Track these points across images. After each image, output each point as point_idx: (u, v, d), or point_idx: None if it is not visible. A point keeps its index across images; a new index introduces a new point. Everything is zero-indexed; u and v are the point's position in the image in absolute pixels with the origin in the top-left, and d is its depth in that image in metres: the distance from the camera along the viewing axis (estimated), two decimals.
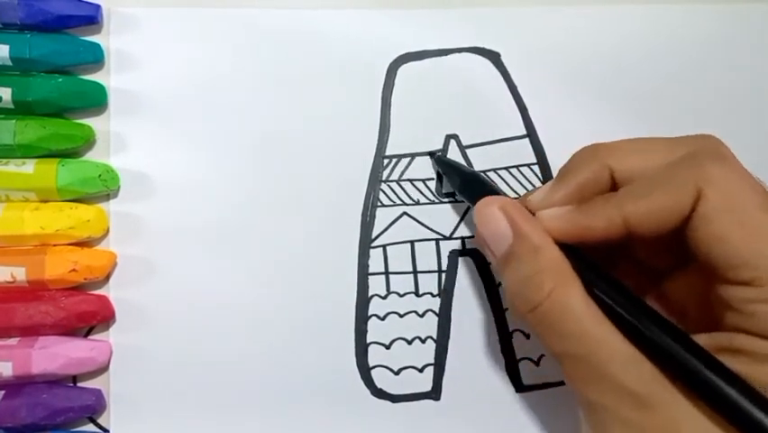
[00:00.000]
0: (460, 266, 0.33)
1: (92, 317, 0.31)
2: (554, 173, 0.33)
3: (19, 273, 0.30)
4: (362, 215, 0.33)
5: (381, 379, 0.32)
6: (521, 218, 0.25)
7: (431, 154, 0.33)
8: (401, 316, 0.33)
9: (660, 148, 0.25)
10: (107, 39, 0.33)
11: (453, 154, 0.33)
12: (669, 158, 0.24)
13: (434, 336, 0.33)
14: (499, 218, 0.25)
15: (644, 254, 0.27)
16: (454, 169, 0.32)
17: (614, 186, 0.25)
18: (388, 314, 0.33)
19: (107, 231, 0.32)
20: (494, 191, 0.29)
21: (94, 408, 0.31)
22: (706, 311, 0.24)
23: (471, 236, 0.33)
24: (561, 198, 0.25)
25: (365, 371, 0.32)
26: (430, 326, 0.33)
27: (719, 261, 0.22)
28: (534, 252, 0.24)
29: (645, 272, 0.27)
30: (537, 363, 0.33)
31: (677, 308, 0.26)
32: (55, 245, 0.31)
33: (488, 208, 0.26)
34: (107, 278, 0.32)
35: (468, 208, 0.33)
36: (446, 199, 0.33)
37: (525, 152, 0.34)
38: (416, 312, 0.33)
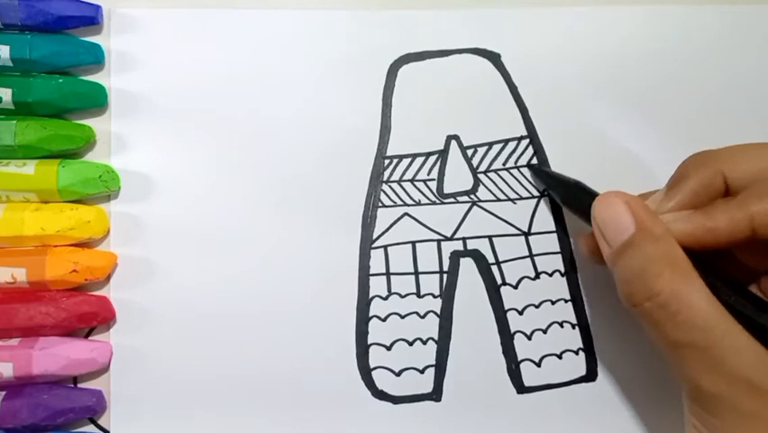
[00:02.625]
0: (461, 267, 0.33)
1: (92, 318, 0.31)
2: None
3: (20, 274, 0.30)
4: (363, 215, 0.33)
5: (382, 380, 0.32)
6: (644, 211, 0.25)
7: (528, 166, 0.33)
8: (402, 317, 0.33)
9: None
10: (108, 40, 0.33)
11: (454, 155, 0.33)
12: None
13: (436, 338, 0.33)
14: (622, 210, 0.26)
15: (745, 255, 0.27)
16: (555, 179, 0.32)
17: (726, 192, 0.26)
18: (390, 315, 0.33)
19: (108, 232, 0.32)
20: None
21: (94, 409, 0.31)
22: None
23: (473, 237, 0.33)
24: (675, 205, 0.26)
25: (366, 372, 0.32)
26: (431, 327, 0.33)
27: None
28: (655, 241, 0.24)
29: (744, 270, 0.27)
30: (539, 365, 0.33)
31: None
32: (56, 246, 0.31)
33: (611, 199, 0.26)
34: (108, 279, 0.32)
35: (469, 209, 0.33)
36: (447, 200, 0.33)
37: (525, 153, 0.33)
38: (417, 313, 0.33)
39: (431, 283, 0.33)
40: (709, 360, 0.23)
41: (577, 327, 0.33)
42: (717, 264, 0.25)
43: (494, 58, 0.34)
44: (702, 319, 0.23)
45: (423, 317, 0.33)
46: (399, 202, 0.33)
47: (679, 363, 0.24)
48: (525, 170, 0.33)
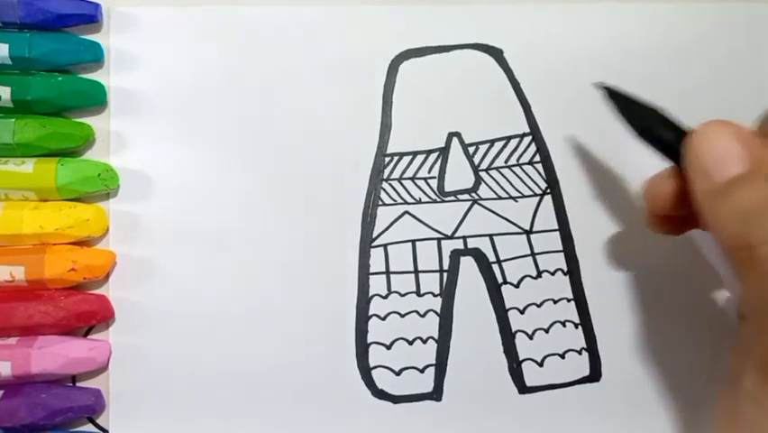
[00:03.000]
0: (462, 266, 0.33)
1: (91, 317, 0.31)
2: (558, 171, 0.33)
3: (18, 273, 0.30)
4: (363, 214, 0.33)
5: (382, 379, 0.32)
6: (758, 146, 0.23)
7: (602, 87, 0.29)
8: (402, 316, 0.32)
9: None
10: (107, 38, 0.33)
11: (456, 152, 0.33)
12: None
13: (436, 337, 0.32)
14: (734, 142, 0.23)
15: None
16: (631, 105, 0.28)
17: None
18: (389, 314, 0.32)
19: (107, 230, 0.32)
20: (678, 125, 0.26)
21: (93, 408, 0.31)
22: None
23: (474, 236, 0.33)
24: None
25: (366, 371, 0.32)
26: (431, 326, 0.32)
27: None
28: None
29: None
30: (541, 365, 0.32)
31: None
32: (54, 245, 0.31)
33: (719, 129, 0.23)
34: (107, 277, 0.32)
35: (470, 207, 0.33)
36: (448, 198, 0.33)
37: (528, 150, 0.33)
38: (417, 312, 0.32)
39: (431, 282, 0.32)
40: None
41: (580, 327, 0.32)
42: None
43: (496, 54, 0.34)
44: None
45: (423, 315, 0.32)
46: (400, 200, 0.33)
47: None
48: (528, 168, 0.33)
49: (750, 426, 0.23)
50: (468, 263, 0.33)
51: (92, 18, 0.32)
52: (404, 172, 0.33)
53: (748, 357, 0.23)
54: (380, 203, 0.33)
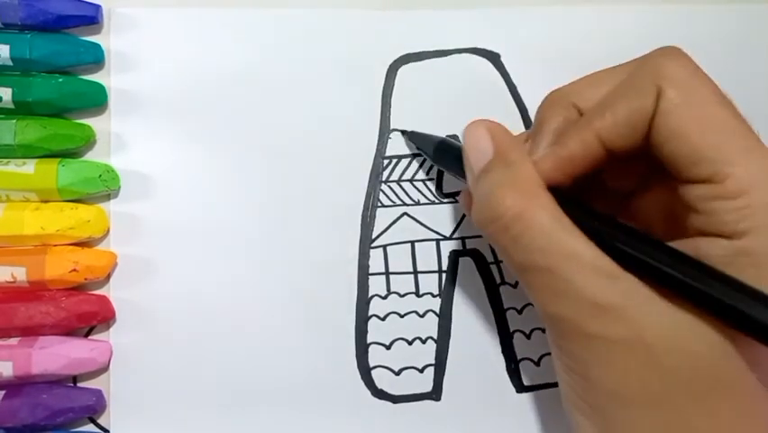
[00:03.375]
0: (460, 266, 0.33)
1: (92, 318, 0.31)
2: None
3: (19, 273, 0.30)
4: (363, 215, 0.33)
5: (382, 379, 0.32)
6: (503, 137, 0.25)
7: (402, 132, 0.33)
8: (402, 316, 0.33)
9: (617, 73, 0.25)
10: (108, 39, 0.33)
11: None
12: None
13: (435, 337, 0.33)
14: (484, 136, 0.25)
15: (611, 179, 0.27)
16: (426, 139, 0.32)
17: None
18: (389, 314, 0.33)
19: (108, 231, 0.32)
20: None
21: (94, 408, 0.31)
22: (672, 224, 0.25)
23: (472, 237, 0.33)
24: (544, 148, 0.26)
25: (365, 371, 0.32)
26: (430, 326, 0.33)
27: (679, 159, 0.23)
28: (506, 166, 0.24)
29: (613, 197, 0.27)
30: (538, 364, 0.33)
31: (645, 225, 0.26)
32: (55, 245, 0.31)
33: (475, 127, 0.26)
34: (108, 278, 0.32)
35: None
36: (446, 199, 0.33)
37: None
38: (416, 312, 0.33)
39: (430, 282, 0.33)
40: (553, 282, 0.22)
41: None
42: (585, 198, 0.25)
43: (493, 58, 0.34)
44: (545, 241, 0.22)
45: (422, 316, 0.33)
46: (398, 202, 0.33)
47: (528, 287, 0.24)
48: None
49: (557, 373, 0.25)
50: (466, 264, 0.33)
51: (92, 19, 0.32)
52: (402, 174, 0.33)
53: None
54: (379, 204, 0.33)
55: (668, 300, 0.22)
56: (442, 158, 0.31)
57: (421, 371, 0.32)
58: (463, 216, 0.33)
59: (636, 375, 0.21)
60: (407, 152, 0.33)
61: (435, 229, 0.33)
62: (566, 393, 0.25)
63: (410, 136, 0.33)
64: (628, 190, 0.27)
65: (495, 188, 0.24)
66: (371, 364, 0.32)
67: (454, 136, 0.33)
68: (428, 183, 0.33)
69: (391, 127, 0.33)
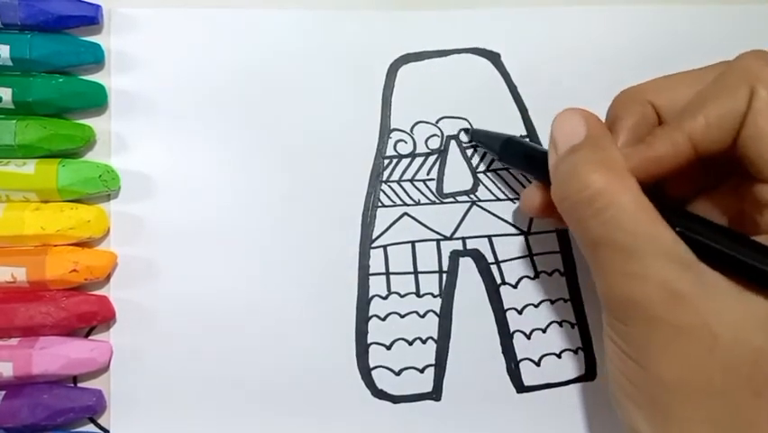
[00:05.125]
0: (461, 267, 0.33)
1: (92, 318, 0.31)
2: None
3: (20, 274, 0.30)
4: (363, 215, 0.33)
5: (382, 379, 0.32)
6: (598, 125, 0.26)
7: (465, 131, 0.33)
8: (402, 316, 0.33)
9: (697, 75, 0.26)
10: (108, 39, 0.33)
11: (454, 154, 0.33)
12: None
13: (435, 337, 0.33)
14: (577, 121, 0.26)
15: (671, 187, 0.27)
16: (490, 136, 0.32)
17: (660, 123, 0.26)
18: (389, 314, 0.33)
19: (108, 231, 0.32)
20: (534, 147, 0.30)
21: (94, 408, 0.31)
22: (737, 226, 0.25)
23: (473, 237, 0.33)
24: (620, 145, 0.26)
25: (366, 371, 0.32)
26: (431, 326, 0.33)
27: (765, 158, 0.23)
28: (596, 146, 0.24)
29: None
30: (538, 364, 0.33)
31: None
32: (56, 246, 0.31)
33: (570, 112, 0.26)
34: (108, 278, 0.32)
35: (468, 208, 0.33)
36: (447, 200, 0.33)
37: None
38: (416, 313, 0.33)
39: (430, 283, 0.33)
40: (626, 262, 0.22)
41: (576, 327, 0.33)
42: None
43: (494, 58, 0.34)
44: (627, 220, 0.22)
45: (422, 316, 0.33)
46: (399, 202, 0.33)
47: (598, 265, 0.24)
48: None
49: (609, 360, 0.25)
50: (467, 264, 0.33)
51: (92, 20, 0.32)
52: (403, 174, 0.33)
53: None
54: (380, 204, 0.33)
55: (741, 294, 0.22)
56: (509, 154, 0.31)
57: (421, 371, 0.32)
58: (464, 216, 0.33)
59: (697, 364, 0.22)
60: (408, 151, 0.33)
61: (436, 229, 0.33)
62: (618, 382, 0.24)
63: (473, 134, 0.33)
64: (685, 197, 0.27)
65: (583, 163, 0.24)
66: (372, 365, 0.32)
67: (455, 136, 0.33)
68: (429, 183, 0.33)
69: (391, 127, 0.33)
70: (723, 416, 0.21)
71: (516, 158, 0.31)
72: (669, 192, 0.27)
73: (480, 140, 0.33)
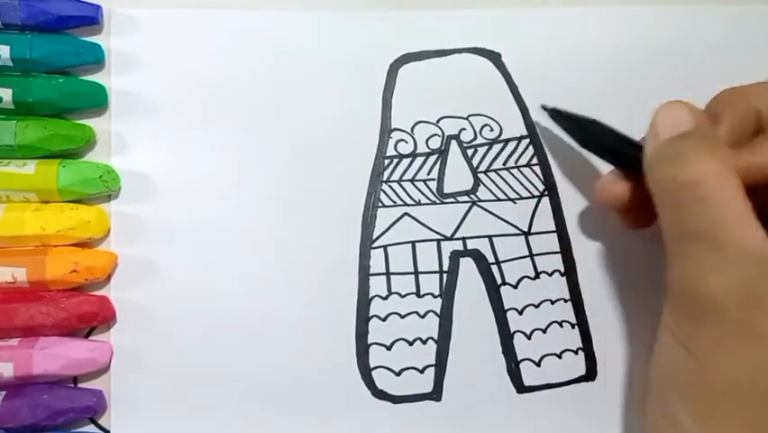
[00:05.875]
0: (461, 267, 0.33)
1: (93, 318, 0.31)
2: (556, 174, 0.33)
3: (20, 274, 0.30)
4: (363, 215, 0.33)
5: (382, 380, 0.32)
6: (706, 119, 0.25)
7: (544, 108, 0.32)
8: (402, 316, 0.33)
9: None
10: (108, 39, 0.33)
11: (454, 154, 0.33)
12: None
13: (436, 337, 0.33)
14: (684, 112, 0.25)
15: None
16: (573, 119, 0.31)
17: (757, 130, 0.26)
18: (390, 315, 0.33)
19: (108, 232, 0.32)
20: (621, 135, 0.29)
21: (95, 408, 0.31)
22: None
23: (473, 237, 0.33)
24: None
25: (366, 372, 0.32)
26: (431, 326, 0.33)
27: None
28: (707, 136, 0.24)
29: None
30: (538, 365, 0.33)
31: None
32: (56, 246, 0.31)
33: (678, 104, 0.26)
34: (108, 279, 0.32)
35: (469, 209, 0.33)
36: (448, 200, 0.33)
37: (526, 153, 0.33)
38: (417, 313, 0.33)
39: (431, 283, 0.33)
40: (714, 257, 0.22)
41: (576, 327, 0.33)
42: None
43: (494, 57, 0.34)
44: (727, 214, 0.22)
45: (423, 316, 0.33)
46: (399, 202, 0.33)
47: (682, 255, 0.23)
48: (526, 171, 0.33)
49: (662, 351, 0.25)
50: (467, 264, 0.33)
51: (93, 20, 0.32)
52: (403, 174, 0.33)
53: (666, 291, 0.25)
54: (380, 204, 0.33)
55: None
56: (591, 139, 0.30)
57: (421, 371, 0.32)
58: (464, 216, 0.33)
59: (760, 371, 0.21)
60: (408, 151, 0.33)
61: (436, 229, 0.33)
62: (669, 373, 0.24)
63: (552, 114, 0.32)
64: None
65: (694, 149, 0.23)
66: (372, 365, 0.32)
67: (455, 136, 0.33)
68: (429, 183, 0.33)
69: (392, 127, 0.33)
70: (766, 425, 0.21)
71: (598, 143, 0.30)
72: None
73: (560, 122, 0.32)
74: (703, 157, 0.23)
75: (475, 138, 0.33)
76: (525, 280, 0.33)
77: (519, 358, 0.33)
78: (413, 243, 0.33)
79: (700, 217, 0.23)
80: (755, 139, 0.25)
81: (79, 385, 0.32)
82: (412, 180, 0.33)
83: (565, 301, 0.33)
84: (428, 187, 0.33)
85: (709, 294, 0.22)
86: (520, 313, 0.33)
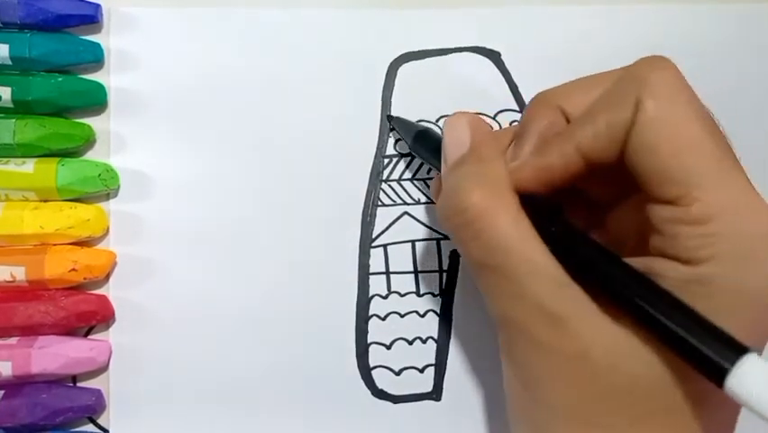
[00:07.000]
0: (461, 266, 0.33)
1: (92, 317, 0.31)
2: None
3: (19, 273, 0.30)
4: (363, 214, 0.33)
5: (382, 379, 0.32)
6: (481, 132, 0.25)
7: (388, 117, 0.33)
8: (402, 316, 0.33)
9: (606, 78, 0.24)
10: (107, 38, 0.33)
11: None
12: None
13: (435, 337, 0.32)
14: (463, 128, 0.25)
15: (591, 188, 0.26)
16: (407, 126, 0.32)
17: None
18: (389, 314, 0.33)
19: (107, 230, 0.32)
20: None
21: (93, 408, 0.31)
22: (641, 242, 0.24)
23: None
24: (527, 152, 0.24)
25: (366, 371, 0.32)
26: (431, 326, 0.33)
27: (649, 176, 0.21)
28: (478, 160, 0.24)
29: (593, 206, 0.26)
30: None
31: (618, 239, 0.25)
32: (55, 245, 0.31)
33: (456, 118, 0.26)
34: (107, 277, 0.32)
35: None
36: None
37: None
38: (416, 312, 0.33)
39: (431, 282, 0.33)
40: (506, 284, 0.22)
41: None
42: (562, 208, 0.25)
43: (494, 56, 0.34)
44: (504, 241, 0.22)
45: (423, 316, 0.33)
46: (399, 201, 0.33)
47: (482, 287, 0.23)
48: None
49: (504, 384, 0.25)
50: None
51: (92, 18, 0.32)
52: (403, 173, 0.33)
53: None
54: (380, 204, 0.33)
55: (616, 318, 0.21)
56: (420, 147, 0.31)
57: (421, 371, 0.32)
58: None
59: (578, 391, 0.21)
60: (407, 149, 0.33)
61: (436, 228, 0.33)
62: (510, 405, 0.24)
63: (393, 122, 0.33)
64: (607, 201, 0.26)
65: (464, 182, 0.23)
66: (372, 364, 0.32)
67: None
68: (429, 182, 0.33)
69: (392, 126, 0.33)
70: None
71: (426, 151, 0.30)
72: (592, 196, 0.26)
73: (398, 128, 0.33)
74: (473, 188, 0.23)
75: None
76: None
77: None
78: (413, 242, 0.33)
79: (483, 251, 0.22)
80: (544, 142, 0.24)
81: (78, 384, 0.32)
82: (412, 179, 0.33)
83: None
84: (428, 186, 0.33)
85: (515, 321, 0.22)
86: None
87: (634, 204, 0.25)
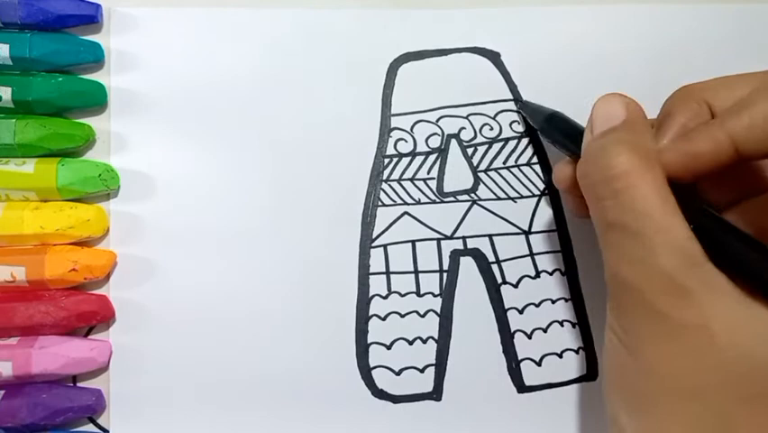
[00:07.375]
0: (461, 266, 0.33)
1: (92, 317, 0.31)
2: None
3: (19, 273, 0.30)
4: (363, 214, 0.33)
5: (382, 379, 0.32)
6: (637, 110, 0.25)
7: (515, 101, 0.33)
8: (402, 316, 0.33)
9: (755, 77, 0.25)
10: (108, 38, 0.33)
11: (454, 153, 0.33)
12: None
13: (436, 337, 0.32)
14: (618, 105, 0.25)
15: (708, 190, 0.27)
16: (537, 109, 0.32)
17: None
18: (389, 314, 0.33)
19: (107, 231, 0.32)
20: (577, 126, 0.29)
21: (94, 408, 0.31)
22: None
23: (473, 236, 0.33)
24: (669, 139, 0.25)
25: (366, 371, 0.32)
26: (431, 326, 0.33)
27: None
28: (631, 131, 0.24)
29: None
30: (539, 364, 0.32)
31: None
32: (55, 245, 0.31)
33: (612, 96, 0.26)
34: (107, 278, 0.32)
35: (469, 208, 0.33)
36: (447, 199, 0.33)
37: (526, 151, 0.33)
38: (417, 312, 0.33)
39: (431, 282, 0.33)
40: (637, 248, 0.22)
41: (577, 326, 0.33)
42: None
43: (494, 57, 0.34)
44: (645, 206, 0.22)
45: (423, 316, 0.33)
46: (399, 201, 0.33)
47: (607, 248, 0.23)
48: (526, 169, 0.33)
49: (605, 350, 0.25)
50: (467, 264, 0.33)
51: (92, 19, 0.32)
52: (403, 173, 0.33)
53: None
54: (380, 204, 0.33)
55: (746, 300, 0.21)
56: (553, 129, 0.30)
57: (421, 371, 0.32)
58: (464, 215, 0.33)
59: (691, 362, 0.21)
60: (408, 150, 0.33)
61: (436, 228, 0.33)
62: (608, 371, 0.24)
63: (522, 106, 0.33)
64: (722, 204, 0.27)
65: (614, 144, 0.23)
66: (372, 364, 0.32)
67: (455, 135, 0.33)
68: (429, 182, 0.33)
69: (391, 126, 0.33)
70: (704, 417, 0.21)
71: (557, 134, 0.30)
72: (706, 196, 0.27)
73: (526, 112, 0.33)
74: (622, 151, 0.23)
75: (475, 137, 0.33)
76: (526, 279, 0.33)
77: (520, 357, 0.32)
78: (413, 242, 0.33)
79: (619, 210, 0.23)
80: (694, 128, 0.25)
81: (78, 384, 0.32)
82: (412, 179, 0.33)
83: (566, 301, 0.33)
84: (428, 186, 0.33)
85: (635, 286, 0.22)
86: (521, 312, 0.33)
87: (748, 209, 0.25)
